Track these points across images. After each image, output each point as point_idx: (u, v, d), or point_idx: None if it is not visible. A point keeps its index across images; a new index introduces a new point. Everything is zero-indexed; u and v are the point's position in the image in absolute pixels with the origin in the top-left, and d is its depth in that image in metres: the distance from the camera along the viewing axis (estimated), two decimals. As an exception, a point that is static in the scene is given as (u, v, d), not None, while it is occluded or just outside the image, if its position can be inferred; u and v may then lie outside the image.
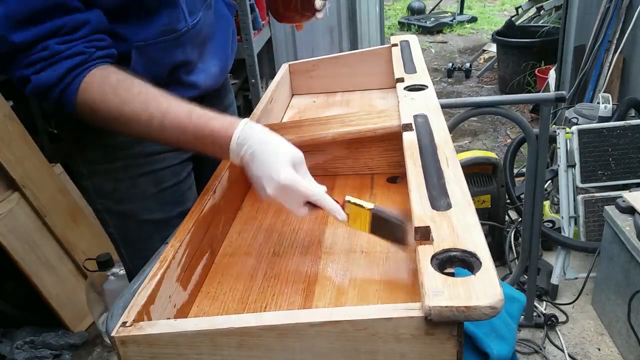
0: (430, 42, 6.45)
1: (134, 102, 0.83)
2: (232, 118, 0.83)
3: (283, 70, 1.52)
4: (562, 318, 2.04)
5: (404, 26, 7.00)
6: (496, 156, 2.32)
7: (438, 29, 6.83)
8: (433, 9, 7.66)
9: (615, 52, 2.73)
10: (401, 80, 1.19)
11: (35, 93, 0.83)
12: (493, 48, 5.03)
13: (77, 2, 0.82)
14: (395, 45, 1.48)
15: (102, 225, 1.14)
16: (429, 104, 1.03)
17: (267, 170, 0.77)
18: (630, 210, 1.80)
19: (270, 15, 1.24)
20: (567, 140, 2.16)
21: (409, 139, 0.90)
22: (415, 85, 1.14)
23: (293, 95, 1.57)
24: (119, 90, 0.83)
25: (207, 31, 1.06)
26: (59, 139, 1.11)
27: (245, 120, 0.83)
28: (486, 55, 5.45)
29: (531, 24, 4.77)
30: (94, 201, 1.10)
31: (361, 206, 0.76)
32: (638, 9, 2.57)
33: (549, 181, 2.52)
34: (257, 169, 0.79)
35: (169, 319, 0.69)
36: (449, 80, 5.08)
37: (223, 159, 0.91)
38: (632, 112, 2.32)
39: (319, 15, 1.14)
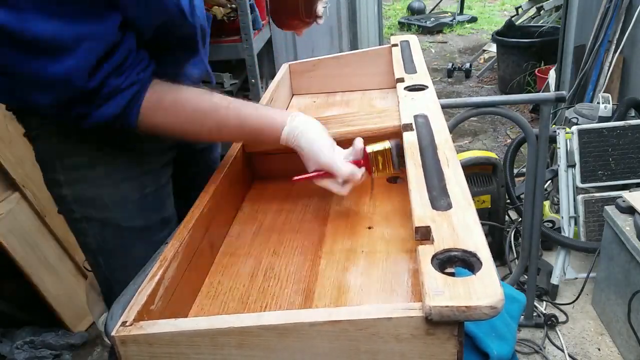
0: (430, 42, 6.45)
1: (193, 120, 0.90)
2: (280, 117, 0.94)
3: (283, 70, 1.52)
4: (562, 318, 2.04)
5: (404, 26, 7.00)
6: (496, 156, 2.32)
7: (438, 29, 6.83)
8: (433, 9, 7.66)
9: (615, 52, 2.73)
10: (401, 80, 1.19)
11: (93, 125, 0.85)
12: (493, 48, 5.03)
13: (120, 33, 0.82)
14: (395, 45, 1.47)
15: (78, 235, 1.08)
16: (429, 104, 1.03)
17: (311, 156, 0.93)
18: (630, 210, 1.80)
19: (272, 20, 1.24)
20: (567, 140, 2.16)
21: (409, 139, 0.90)
22: (415, 85, 1.14)
23: (293, 95, 1.57)
24: (177, 111, 0.89)
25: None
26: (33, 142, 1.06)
27: (292, 117, 0.93)
28: (486, 55, 5.45)
29: (531, 24, 4.77)
30: (72, 210, 1.04)
31: (383, 149, 0.93)
32: (638, 9, 2.57)
33: (549, 181, 2.52)
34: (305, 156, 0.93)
35: (169, 318, 0.68)
36: (449, 80, 5.08)
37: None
38: (632, 112, 2.32)
39: (320, 21, 1.17)
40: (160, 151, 1.08)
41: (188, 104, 0.89)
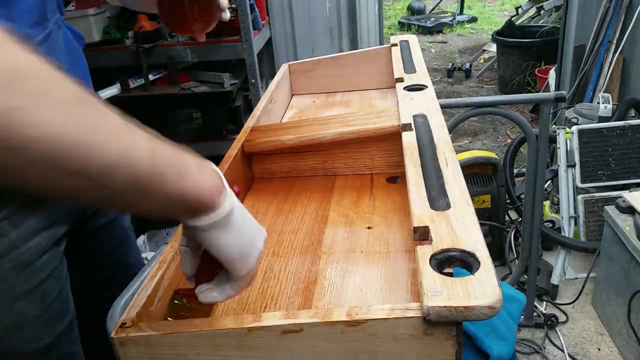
0: (430, 42, 6.45)
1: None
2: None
3: (283, 70, 1.52)
4: (562, 318, 2.04)
5: (404, 26, 7.01)
6: (496, 156, 2.32)
7: (438, 29, 6.83)
8: (433, 9, 7.66)
9: (615, 52, 2.73)
10: (401, 80, 1.19)
11: None
12: (493, 48, 5.03)
13: None
14: (395, 45, 1.48)
15: None
16: (428, 104, 1.03)
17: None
18: (630, 210, 1.80)
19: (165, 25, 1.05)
20: (567, 140, 2.16)
21: (409, 139, 0.90)
22: (414, 85, 1.14)
23: (293, 95, 1.57)
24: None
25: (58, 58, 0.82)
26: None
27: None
28: (486, 55, 5.45)
29: (531, 24, 4.77)
30: None
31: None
32: (638, 9, 2.57)
33: (549, 181, 2.52)
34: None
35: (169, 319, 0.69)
36: (449, 80, 5.08)
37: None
38: (632, 112, 2.32)
39: (225, 16, 0.97)
40: (51, 234, 0.81)
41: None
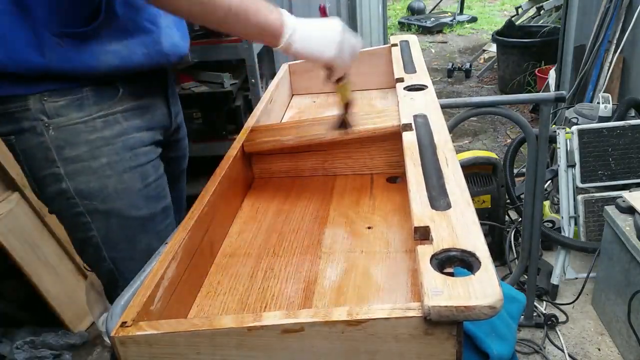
0: (430, 42, 6.45)
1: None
2: (277, 14, 0.92)
3: (283, 70, 1.52)
4: (562, 318, 2.04)
5: (404, 26, 7.01)
6: (496, 156, 2.32)
7: (438, 29, 6.83)
8: (433, 9, 7.66)
9: (615, 52, 2.73)
10: (401, 80, 1.19)
11: None
12: (493, 48, 5.03)
13: None
14: (395, 45, 1.48)
15: (77, 232, 1.07)
16: (428, 104, 1.03)
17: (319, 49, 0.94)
18: (630, 210, 1.80)
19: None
20: (567, 140, 2.16)
21: (409, 139, 0.90)
22: (415, 85, 1.14)
23: (293, 95, 1.57)
24: None
25: None
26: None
27: (288, 18, 0.92)
28: (486, 55, 5.45)
29: (531, 24, 4.77)
30: (72, 205, 1.03)
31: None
32: (638, 9, 2.57)
33: (549, 181, 2.52)
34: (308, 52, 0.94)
35: (169, 319, 0.69)
36: (449, 80, 5.08)
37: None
38: (632, 112, 2.32)
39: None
40: (150, 135, 1.09)
41: None
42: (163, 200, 1.10)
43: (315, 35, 0.93)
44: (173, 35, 1.08)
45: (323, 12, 0.96)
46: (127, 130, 1.03)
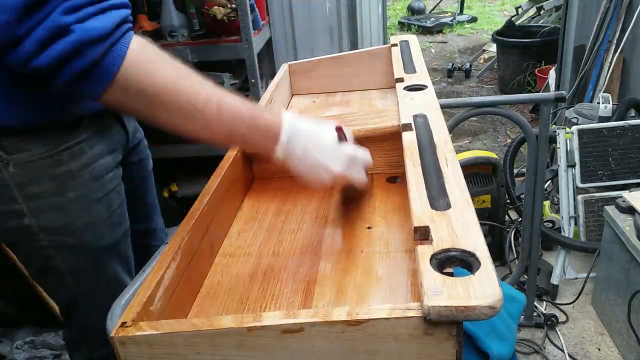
0: (430, 42, 6.45)
1: (191, 77, 0.74)
2: (275, 112, 0.84)
3: (283, 70, 1.52)
4: (562, 318, 2.04)
5: (404, 26, 7.00)
6: (496, 156, 2.32)
7: (438, 29, 6.83)
8: (433, 9, 7.66)
9: (615, 52, 2.72)
10: (401, 80, 1.19)
11: (72, 51, 0.67)
12: (493, 48, 5.03)
13: None
14: (395, 45, 1.47)
15: (34, 261, 1.02)
16: (428, 104, 1.03)
17: (324, 163, 0.84)
18: (630, 210, 1.80)
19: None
20: (567, 140, 2.16)
21: (409, 139, 0.90)
22: (414, 85, 1.14)
23: (293, 95, 1.57)
24: (171, 61, 0.74)
25: None
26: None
27: (288, 114, 0.84)
28: (486, 55, 5.45)
29: (531, 24, 4.77)
30: (35, 239, 0.96)
31: None
32: (638, 9, 2.57)
33: (549, 181, 2.52)
34: (313, 162, 0.84)
35: (169, 319, 0.69)
36: (449, 80, 5.08)
37: (264, 153, 0.84)
38: (632, 112, 2.32)
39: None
40: (113, 158, 1.03)
41: (179, 62, 0.74)
42: (124, 223, 1.07)
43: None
44: None
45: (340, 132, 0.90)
46: (92, 158, 0.97)
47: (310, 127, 0.85)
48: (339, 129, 0.88)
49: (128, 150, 1.13)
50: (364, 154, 0.91)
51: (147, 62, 0.72)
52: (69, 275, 1.03)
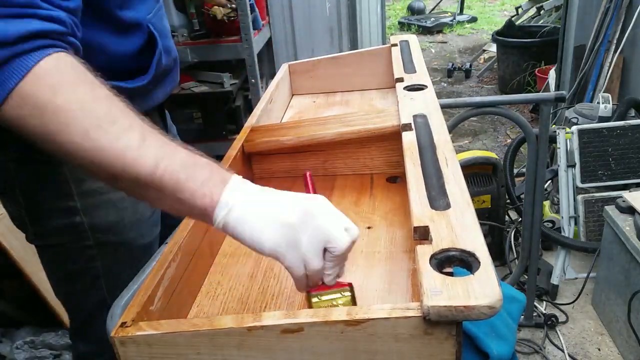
0: (430, 42, 6.45)
1: (114, 101, 0.63)
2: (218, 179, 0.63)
3: (283, 70, 1.52)
4: (562, 318, 2.04)
5: (404, 26, 7.01)
6: (496, 156, 2.32)
7: (438, 29, 6.83)
8: (433, 9, 7.66)
9: (615, 52, 2.73)
10: (401, 80, 1.19)
11: None
12: (493, 48, 5.03)
13: None
14: (395, 45, 1.48)
15: (74, 264, 1.01)
16: (428, 104, 1.03)
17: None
18: (630, 210, 1.80)
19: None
20: (567, 140, 2.16)
21: (409, 139, 0.90)
22: (414, 85, 1.14)
23: (293, 95, 1.57)
24: (94, 82, 0.63)
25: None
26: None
27: (232, 185, 0.63)
28: (486, 55, 5.45)
29: (531, 24, 4.77)
30: (81, 238, 0.97)
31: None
32: (638, 9, 2.57)
33: (549, 181, 2.52)
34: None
35: (169, 319, 0.69)
36: (449, 80, 5.08)
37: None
38: (632, 112, 2.32)
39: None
40: None
41: (108, 89, 0.63)
42: (159, 225, 1.10)
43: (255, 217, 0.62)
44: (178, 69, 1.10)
45: (306, 182, 0.78)
46: None
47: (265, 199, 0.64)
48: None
49: None
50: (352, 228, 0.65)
51: (57, 80, 0.62)
52: (104, 277, 1.03)
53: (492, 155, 2.31)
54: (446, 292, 0.53)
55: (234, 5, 2.15)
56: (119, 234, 1.00)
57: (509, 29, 4.51)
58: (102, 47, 0.86)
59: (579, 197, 2.14)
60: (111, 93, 0.64)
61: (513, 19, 4.87)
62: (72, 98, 0.61)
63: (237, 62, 2.48)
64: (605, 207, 1.89)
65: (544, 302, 2.13)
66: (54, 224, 0.96)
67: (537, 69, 4.08)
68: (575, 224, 2.18)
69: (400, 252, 0.83)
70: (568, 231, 2.17)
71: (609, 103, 2.30)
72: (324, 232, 0.62)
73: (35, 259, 2.05)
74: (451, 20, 6.90)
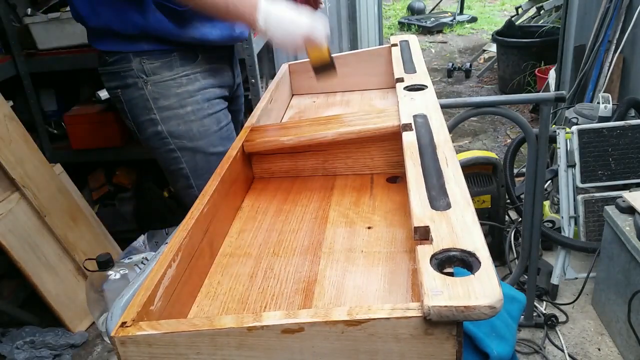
0: (430, 42, 6.45)
1: None
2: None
3: (283, 70, 1.52)
4: (562, 318, 2.04)
5: (404, 26, 7.01)
6: (496, 156, 2.32)
7: (438, 29, 6.83)
8: (433, 9, 7.67)
9: (615, 52, 2.73)
10: (401, 80, 1.19)
11: None
12: (493, 48, 5.03)
13: None
14: (395, 45, 1.48)
15: (169, 165, 1.38)
16: (428, 104, 1.03)
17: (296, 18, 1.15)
18: (630, 210, 1.80)
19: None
20: (567, 140, 2.16)
21: (409, 139, 0.90)
22: (415, 85, 1.14)
23: (293, 95, 1.57)
24: None
25: None
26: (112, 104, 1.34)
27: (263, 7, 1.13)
28: (486, 55, 5.45)
29: (531, 24, 4.77)
30: (165, 143, 1.35)
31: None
32: (638, 9, 2.57)
33: (549, 181, 2.52)
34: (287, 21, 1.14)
35: (169, 319, 0.69)
36: (449, 80, 5.08)
37: (249, 21, 1.17)
38: (632, 112, 2.32)
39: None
40: (220, 91, 1.42)
41: None
42: (232, 141, 1.27)
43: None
44: (240, 26, 1.41)
45: None
46: (204, 86, 1.35)
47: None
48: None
49: (232, 91, 1.51)
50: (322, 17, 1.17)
51: None
52: (192, 177, 1.38)
53: (492, 155, 2.31)
54: (447, 292, 0.53)
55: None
56: (191, 140, 1.35)
57: (509, 29, 4.51)
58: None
59: (579, 197, 2.14)
60: None
61: (513, 19, 4.88)
62: None
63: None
64: (605, 207, 1.89)
65: (544, 302, 2.13)
66: (147, 133, 1.36)
67: (537, 69, 4.08)
68: (575, 224, 2.18)
69: (400, 252, 0.83)
70: (568, 231, 2.17)
71: (609, 103, 2.30)
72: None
73: (35, 258, 2.06)
74: (451, 20, 6.90)
